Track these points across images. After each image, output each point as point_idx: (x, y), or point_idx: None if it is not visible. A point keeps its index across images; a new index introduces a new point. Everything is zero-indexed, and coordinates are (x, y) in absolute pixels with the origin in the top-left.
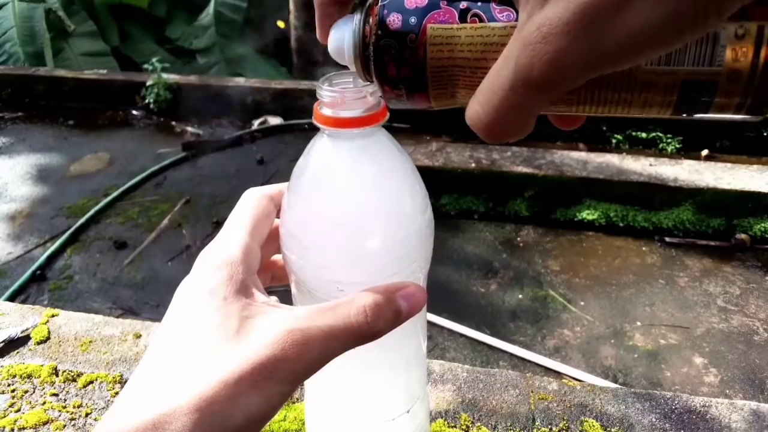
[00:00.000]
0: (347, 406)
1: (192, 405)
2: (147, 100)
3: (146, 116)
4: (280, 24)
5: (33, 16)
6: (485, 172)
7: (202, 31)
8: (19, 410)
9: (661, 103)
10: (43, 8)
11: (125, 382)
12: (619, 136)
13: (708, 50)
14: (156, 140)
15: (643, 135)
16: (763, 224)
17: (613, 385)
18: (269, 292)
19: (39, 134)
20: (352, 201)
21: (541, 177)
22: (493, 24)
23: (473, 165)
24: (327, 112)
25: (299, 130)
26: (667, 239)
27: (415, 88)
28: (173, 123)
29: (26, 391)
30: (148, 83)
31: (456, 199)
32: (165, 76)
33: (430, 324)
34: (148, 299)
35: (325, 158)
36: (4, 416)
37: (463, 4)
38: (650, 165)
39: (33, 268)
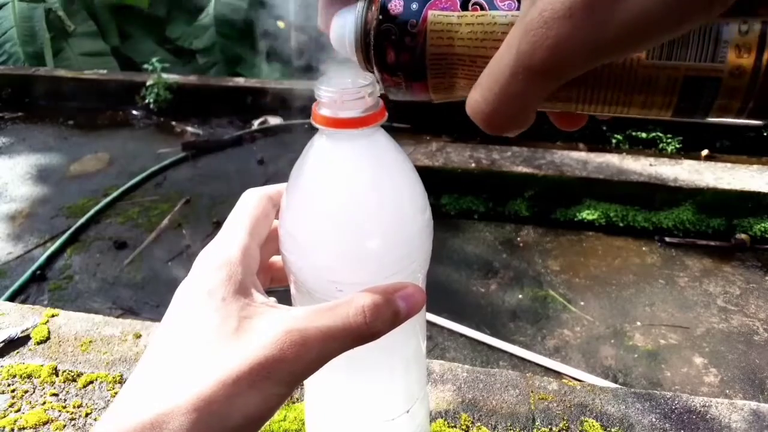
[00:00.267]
0: (347, 406)
1: (190, 405)
2: (147, 100)
3: (146, 116)
4: (280, 24)
5: (33, 16)
6: (485, 172)
7: (202, 31)
8: (19, 410)
9: (662, 100)
10: (43, 8)
11: (125, 382)
12: (619, 136)
13: (710, 46)
14: (156, 140)
15: (643, 135)
16: (763, 224)
17: (613, 385)
18: (269, 293)
19: (39, 134)
20: (351, 201)
21: (541, 177)
22: (494, 12)
23: (473, 165)
24: (325, 112)
25: (299, 130)
26: (667, 239)
27: (414, 77)
28: (173, 123)
29: (26, 391)
30: (148, 83)
31: (456, 199)
32: (165, 76)
33: (430, 324)
34: (148, 299)
35: (324, 159)
36: (4, 416)
37: None
38: (650, 165)
39: (33, 268)
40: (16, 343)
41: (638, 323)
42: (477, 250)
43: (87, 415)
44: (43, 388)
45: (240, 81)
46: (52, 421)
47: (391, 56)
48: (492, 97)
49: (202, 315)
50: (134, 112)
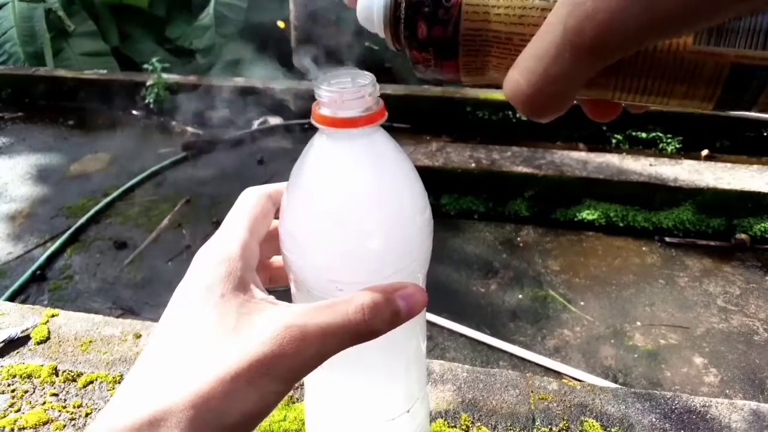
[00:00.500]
0: (347, 405)
1: (188, 401)
2: (147, 100)
3: (146, 116)
4: (281, 24)
5: (33, 16)
6: (485, 172)
7: (202, 31)
8: (19, 410)
9: (705, 90)
10: (43, 8)
11: None
12: (619, 136)
13: (763, 33)
14: (156, 140)
15: (643, 135)
16: (763, 224)
17: (613, 385)
18: (268, 292)
19: (39, 134)
20: (351, 201)
21: (541, 177)
22: None
23: (473, 165)
24: (325, 111)
25: (299, 130)
26: (667, 239)
27: (445, 54)
28: (173, 123)
29: (26, 391)
30: (148, 83)
31: (456, 199)
32: (165, 76)
33: (430, 324)
34: (148, 299)
35: (324, 158)
36: (4, 416)
37: None
38: (650, 165)
39: (33, 268)
40: (16, 343)
41: (638, 323)
42: (477, 250)
43: (87, 415)
44: (43, 388)
45: (240, 81)
46: (52, 421)
47: (422, 31)
48: (534, 78)
49: (201, 311)
50: (134, 112)
